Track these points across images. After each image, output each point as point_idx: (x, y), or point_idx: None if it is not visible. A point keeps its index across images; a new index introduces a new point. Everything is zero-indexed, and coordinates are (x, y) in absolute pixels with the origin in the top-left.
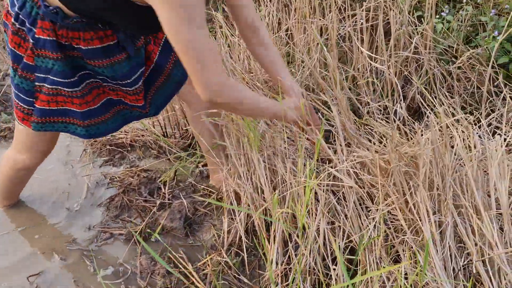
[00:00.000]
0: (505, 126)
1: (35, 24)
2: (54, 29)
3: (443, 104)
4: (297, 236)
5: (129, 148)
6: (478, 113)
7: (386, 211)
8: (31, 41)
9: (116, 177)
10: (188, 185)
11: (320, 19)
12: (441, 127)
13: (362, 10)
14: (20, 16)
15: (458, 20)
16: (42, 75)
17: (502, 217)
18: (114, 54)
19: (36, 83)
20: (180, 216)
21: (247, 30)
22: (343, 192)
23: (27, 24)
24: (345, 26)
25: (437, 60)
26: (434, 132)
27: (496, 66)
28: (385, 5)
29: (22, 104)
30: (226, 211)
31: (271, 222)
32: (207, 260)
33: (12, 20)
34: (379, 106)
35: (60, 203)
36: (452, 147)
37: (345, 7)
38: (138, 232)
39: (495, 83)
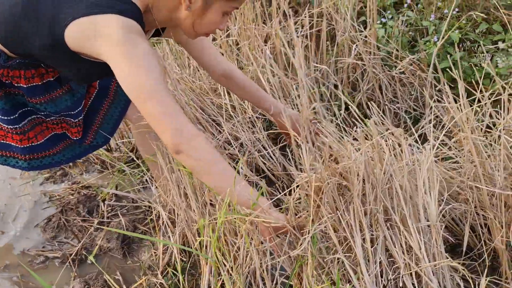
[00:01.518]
0: (439, 133)
1: None
2: None
3: (385, 111)
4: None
5: (71, 164)
6: (423, 118)
7: (319, 230)
8: None
9: (56, 195)
10: (130, 201)
11: (263, 27)
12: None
13: (305, 16)
14: None
15: (403, 25)
16: None
17: (431, 229)
18: (55, 89)
19: None
20: (118, 235)
21: (221, 79)
22: None
23: None
24: (287, 34)
25: (382, 66)
26: (363, 144)
27: (439, 70)
28: (327, 12)
29: None
30: (160, 230)
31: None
32: (143, 282)
33: None
34: (326, 115)
35: None
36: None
37: (290, 13)
38: (73, 254)
39: (437, 88)
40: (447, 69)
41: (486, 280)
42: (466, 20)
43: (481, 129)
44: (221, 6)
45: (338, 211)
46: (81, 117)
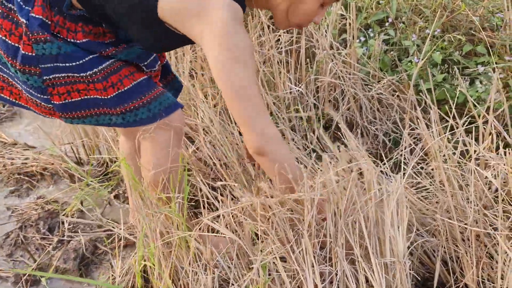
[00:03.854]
0: (415, 160)
1: (30, 1)
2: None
3: (363, 133)
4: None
5: (39, 177)
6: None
7: (267, 261)
8: (24, 22)
9: (18, 210)
10: (95, 219)
11: None
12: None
13: (284, 32)
14: None
15: (383, 44)
16: (49, 65)
17: (395, 266)
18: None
19: (45, 77)
20: (76, 256)
21: None
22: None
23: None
24: (264, 50)
25: (362, 86)
26: (327, 173)
27: (424, 91)
28: (307, 28)
29: (40, 101)
30: (119, 253)
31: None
32: None
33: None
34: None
35: None
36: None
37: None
38: (26, 275)
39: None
40: (430, 91)
41: None
42: (450, 40)
43: (456, 155)
44: None
45: (288, 243)
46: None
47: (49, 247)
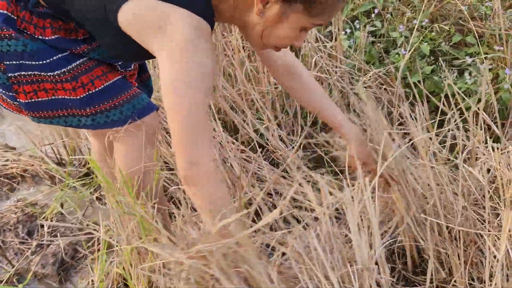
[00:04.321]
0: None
1: None
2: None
3: None
4: None
5: (20, 179)
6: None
7: None
8: None
9: None
10: (75, 221)
11: (222, 35)
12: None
13: None
14: None
15: (372, 36)
16: (14, 62)
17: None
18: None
19: (10, 74)
20: (55, 260)
21: (283, 75)
22: None
23: None
24: (248, 44)
25: (349, 79)
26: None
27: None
28: None
29: (6, 98)
30: (97, 258)
31: None
32: None
33: None
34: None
35: None
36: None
37: None
38: (4, 281)
39: (409, 102)
40: (420, 83)
41: None
42: (438, 31)
43: (445, 150)
44: (299, 20)
45: None
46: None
47: (27, 251)
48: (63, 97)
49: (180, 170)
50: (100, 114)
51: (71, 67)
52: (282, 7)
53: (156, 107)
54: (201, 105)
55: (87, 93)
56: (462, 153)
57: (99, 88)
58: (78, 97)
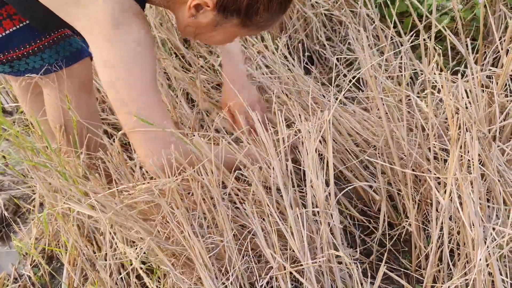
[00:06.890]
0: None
1: None
2: None
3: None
4: None
5: None
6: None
7: None
8: None
9: None
10: (17, 175)
11: None
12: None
13: None
14: None
15: None
16: None
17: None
18: None
19: None
20: None
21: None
22: None
23: None
24: None
25: (311, 3)
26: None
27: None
28: None
29: None
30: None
31: None
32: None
33: None
34: None
35: None
36: None
37: None
38: None
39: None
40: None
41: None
42: None
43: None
44: (234, 31)
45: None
46: None
47: None
48: None
49: (143, 162)
50: (18, 61)
51: None
52: (217, 16)
53: (87, 54)
54: (146, 91)
55: None
56: (414, 83)
57: (11, 29)
58: None
